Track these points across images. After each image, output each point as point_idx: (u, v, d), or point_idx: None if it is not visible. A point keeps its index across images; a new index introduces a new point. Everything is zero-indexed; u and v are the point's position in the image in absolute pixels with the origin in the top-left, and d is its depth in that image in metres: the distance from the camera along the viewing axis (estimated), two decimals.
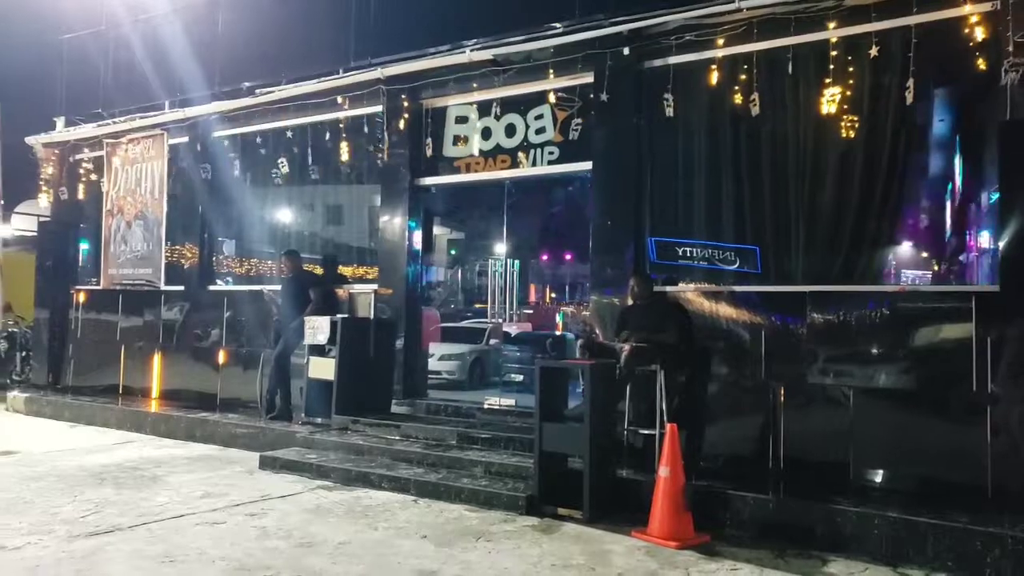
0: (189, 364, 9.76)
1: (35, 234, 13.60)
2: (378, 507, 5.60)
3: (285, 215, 10.58)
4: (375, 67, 8.30)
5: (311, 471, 6.49)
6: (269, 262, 10.68)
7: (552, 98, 7.40)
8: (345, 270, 9.43)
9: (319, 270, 9.10)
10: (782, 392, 5.93)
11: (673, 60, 6.66)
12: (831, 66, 5.93)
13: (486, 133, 7.90)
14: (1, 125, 13.41)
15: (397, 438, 7.01)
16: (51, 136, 11.51)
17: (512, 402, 7.92)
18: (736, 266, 6.43)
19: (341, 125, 8.82)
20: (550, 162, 7.49)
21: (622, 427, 6.07)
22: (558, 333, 11.83)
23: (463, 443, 6.74)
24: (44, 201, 11.80)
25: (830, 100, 5.91)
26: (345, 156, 8.77)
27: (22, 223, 19.20)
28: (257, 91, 9.29)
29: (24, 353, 11.90)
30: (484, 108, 7.89)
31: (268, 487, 6.14)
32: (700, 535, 4.90)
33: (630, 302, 6.45)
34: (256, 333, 9.12)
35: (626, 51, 6.75)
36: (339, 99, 8.70)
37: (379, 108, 8.41)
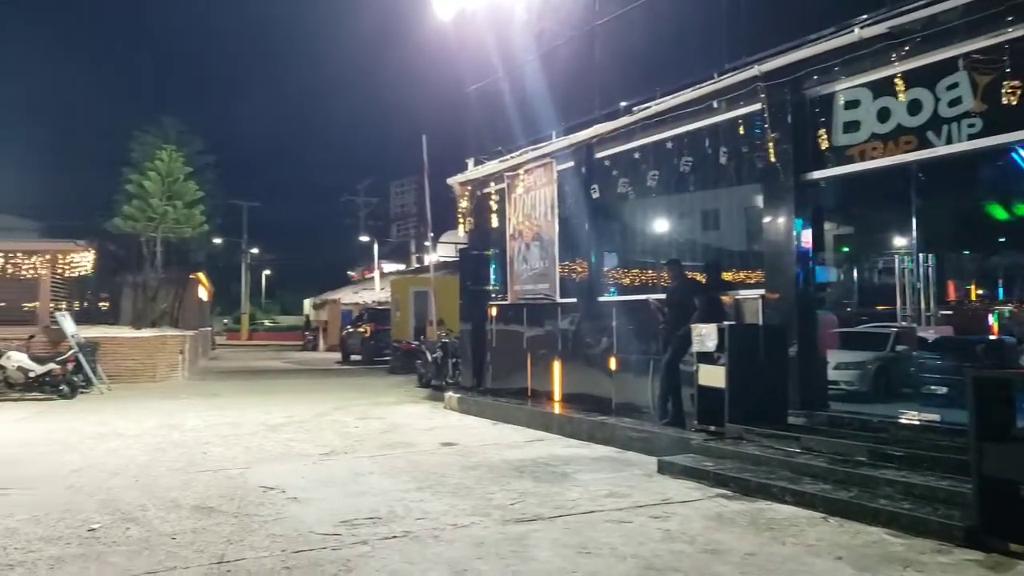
0: (584, 370, 10.50)
1: (455, 259, 16.04)
2: (783, 521, 5.33)
3: (664, 225, 10.83)
4: (751, 65, 8.04)
5: (708, 478, 6.46)
6: (650, 271, 11.02)
7: (968, 62, 6.35)
8: (726, 275, 9.28)
9: (701, 277, 9.08)
10: None
11: None
12: None
13: (883, 115, 7.09)
14: (428, 170, 16.10)
15: (797, 451, 6.62)
16: (465, 175, 13.43)
17: (935, 417, 6.93)
18: None
19: (717, 129, 8.72)
20: (970, 136, 6.42)
21: None
22: (993, 337, 9.95)
23: (875, 460, 6.08)
24: (462, 231, 13.82)
25: None
26: (722, 160, 8.64)
27: (445, 251, 22.88)
28: (634, 109, 9.67)
29: (454, 360, 14.03)
30: (879, 88, 7.11)
31: (667, 491, 6.27)
32: None
33: None
34: (644, 341, 9.44)
35: None
36: (714, 104, 8.62)
37: (757, 106, 8.12)
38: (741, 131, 8.38)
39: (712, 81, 8.51)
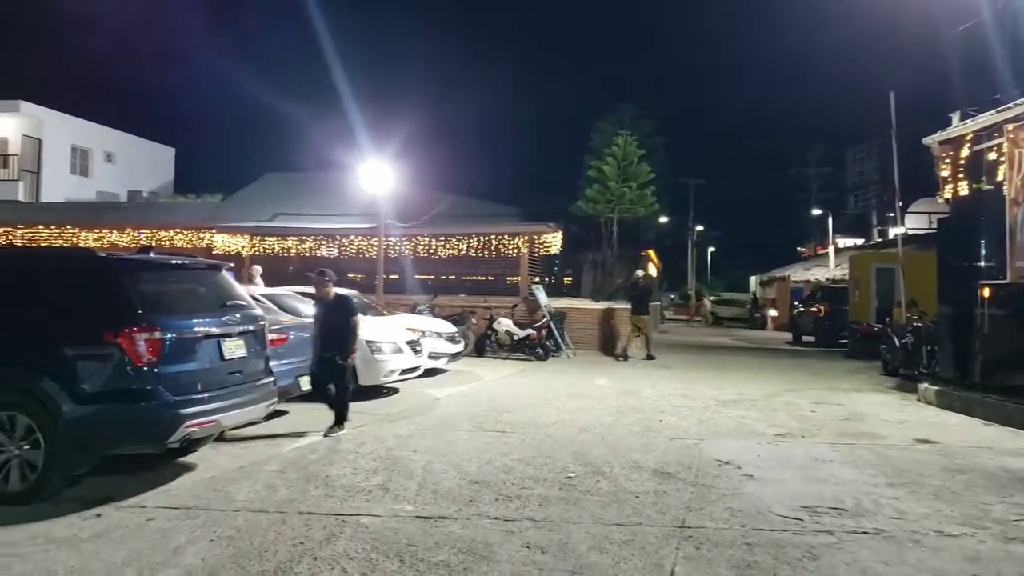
0: None
1: (930, 231, 13.93)
2: None
3: None
4: None
5: None
6: None
7: None
8: None
9: None
10: None
11: None
12: None
13: None
14: (896, 131, 14.26)
15: None
16: (947, 133, 11.51)
17: None
18: None
19: None
20: None
21: None
22: None
23: None
24: (940, 198, 11.91)
25: None
26: None
27: (915, 222, 20.18)
28: None
29: (929, 347, 12.24)
30: None
31: None
32: None
33: None
34: None
35: None
36: None
37: None
38: None
39: None
